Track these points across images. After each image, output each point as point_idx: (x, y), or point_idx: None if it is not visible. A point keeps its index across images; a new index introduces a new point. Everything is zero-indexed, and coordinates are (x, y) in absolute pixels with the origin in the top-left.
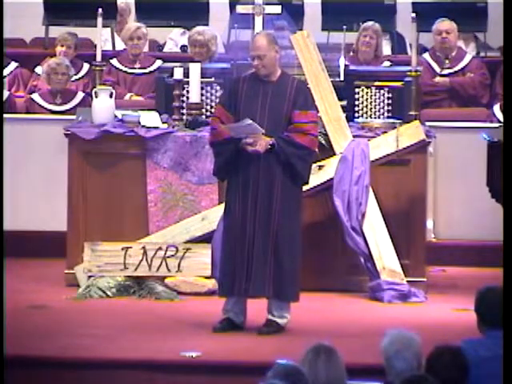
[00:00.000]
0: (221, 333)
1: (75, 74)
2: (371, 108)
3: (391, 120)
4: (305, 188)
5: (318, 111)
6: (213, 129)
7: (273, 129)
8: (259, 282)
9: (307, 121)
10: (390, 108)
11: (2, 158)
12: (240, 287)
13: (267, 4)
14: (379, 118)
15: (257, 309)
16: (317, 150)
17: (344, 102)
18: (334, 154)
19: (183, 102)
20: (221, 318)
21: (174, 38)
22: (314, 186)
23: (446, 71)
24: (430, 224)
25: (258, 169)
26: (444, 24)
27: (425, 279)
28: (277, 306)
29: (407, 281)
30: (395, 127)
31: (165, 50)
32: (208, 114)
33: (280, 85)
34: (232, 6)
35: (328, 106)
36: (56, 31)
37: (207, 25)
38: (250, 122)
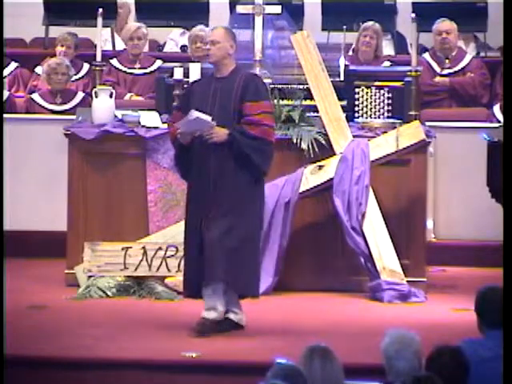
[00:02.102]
0: (223, 333)
1: (75, 74)
2: (371, 108)
3: (391, 120)
4: (305, 188)
5: (270, 101)
6: (169, 130)
7: (223, 124)
8: (210, 269)
9: (258, 111)
10: (390, 108)
11: (2, 158)
12: (198, 284)
13: (267, 4)
14: (379, 117)
15: (255, 309)
16: (273, 139)
17: (344, 102)
18: (334, 154)
19: None
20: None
21: (173, 38)
22: (314, 186)
23: (446, 71)
24: (430, 224)
25: (211, 162)
26: (444, 24)
27: (425, 279)
28: (230, 301)
29: (407, 281)
30: (395, 127)
31: (165, 50)
32: None
33: (230, 80)
34: (232, 6)
35: (328, 106)
36: (56, 31)
37: (207, 25)
38: (196, 115)
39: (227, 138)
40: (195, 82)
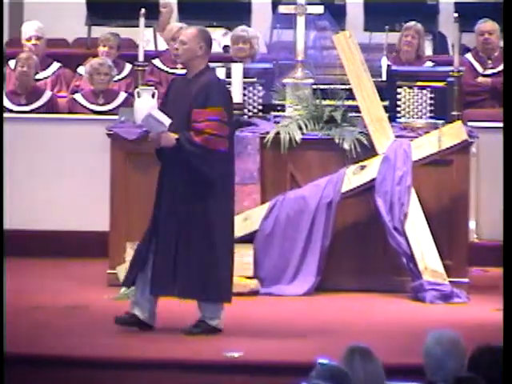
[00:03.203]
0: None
1: (117, 74)
2: (413, 108)
3: (433, 120)
4: (347, 188)
5: (221, 108)
6: None
7: (176, 127)
8: (161, 280)
9: (204, 119)
10: (432, 108)
11: (3, 156)
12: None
13: (309, 4)
14: (421, 118)
15: (297, 309)
16: (217, 147)
17: (386, 102)
18: (376, 154)
19: None
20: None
21: (216, 38)
22: (356, 187)
23: (488, 71)
24: (472, 224)
25: (167, 167)
26: (486, 25)
27: (467, 280)
28: (204, 306)
29: (449, 281)
30: (437, 127)
31: None
32: (250, 114)
33: (192, 82)
34: (274, 6)
35: (370, 106)
36: (98, 31)
37: (249, 25)
38: (151, 113)
39: (175, 144)
40: (176, 78)
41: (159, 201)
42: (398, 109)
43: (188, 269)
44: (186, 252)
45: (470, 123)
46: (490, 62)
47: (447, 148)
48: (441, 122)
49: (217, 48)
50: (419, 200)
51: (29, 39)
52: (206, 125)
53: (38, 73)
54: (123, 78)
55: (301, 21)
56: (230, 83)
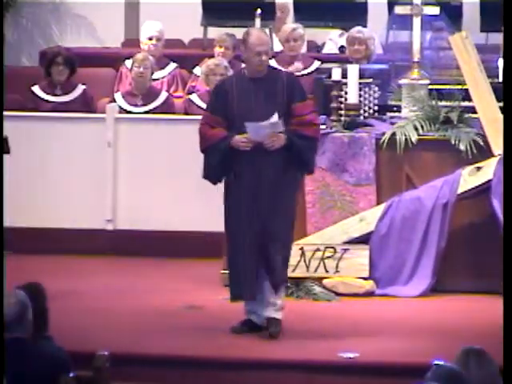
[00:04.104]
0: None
1: None
2: None
3: None
4: (463, 189)
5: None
6: (203, 134)
7: None
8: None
9: (308, 111)
10: None
11: (2, 157)
12: (245, 291)
13: (425, 4)
14: None
15: (412, 311)
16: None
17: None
18: (493, 156)
19: (341, 102)
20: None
21: (332, 39)
22: (473, 188)
23: None
24: None
25: (262, 167)
26: None
27: None
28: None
29: None
30: None
31: (324, 50)
32: (366, 114)
33: (269, 80)
34: (390, 7)
35: (486, 108)
36: (214, 32)
37: (365, 26)
38: (275, 120)
39: (286, 142)
40: (224, 82)
41: (241, 201)
42: None
43: (273, 267)
44: (273, 251)
45: None
46: None
47: None
48: None
49: (333, 49)
50: None
51: (150, 38)
52: (313, 116)
53: (153, 73)
54: None
55: (417, 21)
56: (345, 84)
